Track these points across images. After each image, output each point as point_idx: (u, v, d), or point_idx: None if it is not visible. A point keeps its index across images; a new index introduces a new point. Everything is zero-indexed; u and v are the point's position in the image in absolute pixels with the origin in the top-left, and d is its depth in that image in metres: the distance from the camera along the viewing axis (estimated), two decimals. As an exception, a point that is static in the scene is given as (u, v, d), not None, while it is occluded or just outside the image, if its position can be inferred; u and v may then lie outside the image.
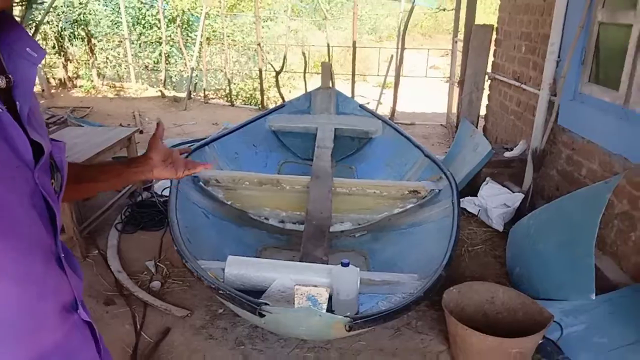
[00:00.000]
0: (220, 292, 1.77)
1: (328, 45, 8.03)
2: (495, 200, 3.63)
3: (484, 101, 5.16)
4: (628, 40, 2.72)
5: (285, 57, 8.34)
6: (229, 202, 3.24)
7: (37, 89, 7.43)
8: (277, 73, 8.15)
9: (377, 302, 2.06)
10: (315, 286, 1.51)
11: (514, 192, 3.69)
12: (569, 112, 3.28)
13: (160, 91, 8.86)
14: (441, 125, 6.83)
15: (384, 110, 7.52)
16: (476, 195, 3.83)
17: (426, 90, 9.19)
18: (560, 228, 2.62)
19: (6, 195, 0.63)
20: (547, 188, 3.58)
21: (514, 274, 2.84)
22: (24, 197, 0.67)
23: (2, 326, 0.66)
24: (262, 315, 1.60)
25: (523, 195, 3.57)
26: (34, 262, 0.69)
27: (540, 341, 2.13)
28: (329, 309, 2.00)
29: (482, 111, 5.36)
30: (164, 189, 4.04)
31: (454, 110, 6.41)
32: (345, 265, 1.93)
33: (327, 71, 4.63)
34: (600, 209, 2.37)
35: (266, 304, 1.59)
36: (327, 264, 2.32)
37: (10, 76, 0.69)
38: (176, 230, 2.27)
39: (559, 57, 3.39)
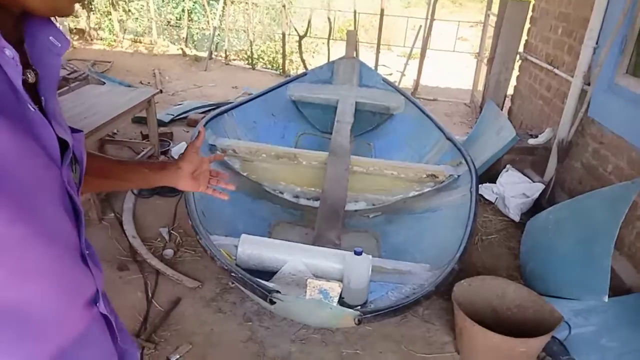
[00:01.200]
0: (233, 274, 1.78)
1: (355, 12, 7.78)
2: (514, 189, 3.55)
3: (512, 82, 4.98)
4: (675, 33, 2.56)
5: (309, 22, 8.12)
6: (245, 174, 3.23)
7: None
8: (301, 38, 7.96)
9: (387, 292, 2.06)
10: (328, 281, 1.50)
11: (534, 182, 3.60)
12: (601, 104, 3.14)
13: (182, 49, 8.75)
14: (465, 104, 6.65)
15: (407, 83, 7.33)
16: (495, 182, 3.75)
17: (452, 64, 8.92)
18: (580, 226, 2.56)
19: (37, 195, 0.62)
20: (569, 180, 3.48)
21: (527, 269, 2.81)
22: (53, 196, 0.66)
23: (29, 322, 0.66)
24: (272, 303, 1.61)
25: (543, 186, 3.48)
26: (63, 260, 0.70)
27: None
28: (339, 297, 2.01)
29: (509, 91, 5.18)
30: (181, 154, 4.05)
31: (480, 88, 6.22)
32: (359, 253, 1.92)
33: (352, 40, 4.50)
34: (623, 209, 2.31)
35: (277, 291, 1.59)
36: (340, 247, 2.31)
37: (36, 69, 0.66)
38: (192, 203, 2.27)
39: (597, 43, 3.22)
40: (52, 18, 0.70)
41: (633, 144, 2.75)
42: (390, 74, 8.34)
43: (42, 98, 0.66)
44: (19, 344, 0.65)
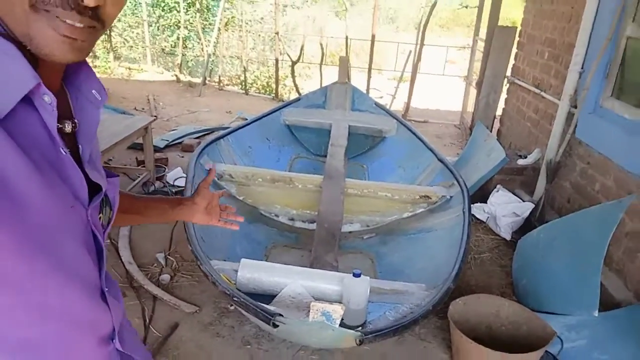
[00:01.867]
0: (235, 299, 1.80)
1: (347, 38, 7.97)
2: (504, 209, 3.62)
3: (501, 104, 5.11)
4: (653, 57, 2.68)
5: (302, 48, 8.29)
6: (241, 198, 3.28)
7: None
8: (294, 63, 8.12)
9: (385, 312, 2.09)
10: (331, 303, 1.53)
11: (524, 201, 3.68)
12: (587, 125, 3.25)
13: (176, 75, 8.88)
14: (455, 125, 6.78)
15: (398, 106, 7.47)
16: (486, 202, 3.83)
17: (442, 87, 9.11)
18: (570, 244, 2.62)
19: (59, 234, 0.65)
20: (558, 199, 3.56)
21: (520, 286, 2.85)
22: (75, 235, 0.69)
23: (45, 357, 0.68)
24: (275, 326, 1.63)
25: (533, 205, 3.56)
26: (80, 300, 0.71)
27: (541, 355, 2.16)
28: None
29: (498, 112, 5.31)
30: (176, 179, 4.09)
31: (469, 109, 6.36)
32: (357, 276, 1.96)
33: (344, 65, 4.62)
34: (611, 228, 2.37)
35: (280, 314, 1.62)
36: (338, 269, 2.35)
37: (76, 121, 0.71)
38: (191, 229, 2.30)
39: (582, 68, 3.35)
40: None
41: (619, 163, 2.84)
42: (381, 97, 8.50)
43: (80, 146, 0.71)
44: None
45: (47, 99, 0.61)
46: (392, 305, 2.17)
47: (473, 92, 6.10)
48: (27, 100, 0.60)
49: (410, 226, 3.21)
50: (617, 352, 2.23)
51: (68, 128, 0.69)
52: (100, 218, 0.77)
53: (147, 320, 2.45)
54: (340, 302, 1.54)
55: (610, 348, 2.27)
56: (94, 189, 0.72)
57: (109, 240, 3.15)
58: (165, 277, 2.79)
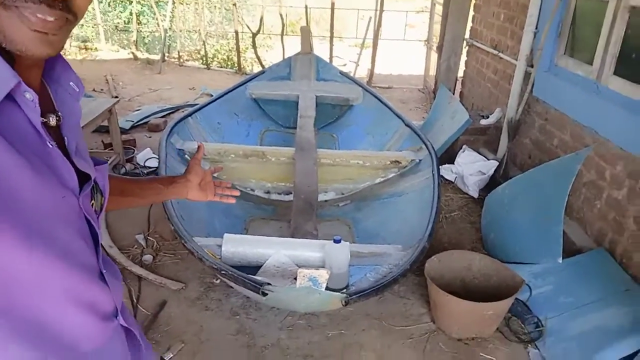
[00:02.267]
0: (223, 272, 1.87)
1: (306, 7, 7.87)
2: (471, 168, 3.79)
3: (462, 66, 5.23)
4: (603, 15, 2.81)
5: (262, 19, 8.15)
6: (215, 175, 3.29)
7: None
8: (254, 35, 7.98)
9: (366, 274, 2.20)
10: (317, 269, 1.62)
11: (488, 160, 3.85)
12: (543, 84, 3.40)
13: (132, 53, 8.58)
14: (418, 89, 6.91)
15: (362, 72, 7.52)
16: (453, 163, 3.98)
17: (403, 52, 9.19)
18: (533, 197, 2.80)
19: (53, 223, 0.68)
20: (520, 156, 3.75)
21: (489, 240, 3.04)
22: (68, 224, 0.71)
23: (46, 343, 0.71)
24: (265, 294, 1.71)
25: (497, 163, 3.74)
26: (81, 282, 0.74)
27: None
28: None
29: (460, 75, 5.44)
30: (147, 160, 4.06)
31: (431, 73, 6.47)
32: (337, 241, 2.06)
33: (306, 35, 4.60)
34: (570, 179, 2.53)
35: (269, 283, 1.70)
36: (317, 237, 2.44)
37: (60, 114, 0.72)
38: (170, 209, 2.33)
39: (536, 28, 3.47)
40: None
41: (574, 118, 3.01)
42: (344, 65, 8.51)
43: (65, 138, 0.73)
44: (38, 353, 0.69)
45: (29, 96, 0.63)
46: (372, 267, 2.29)
47: (434, 55, 6.20)
48: (10, 98, 0.61)
49: (383, 191, 3.33)
50: (581, 294, 2.43)
51: (53, 121, 0.71)
52: (92, 205, 0.79)
53: (135, 300, 2.49)
54: (324, 267, 1.64)
55: (574, 291, 2.47)
56: (84, 178, 0.74)
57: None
58: (148, 258, 2.82)
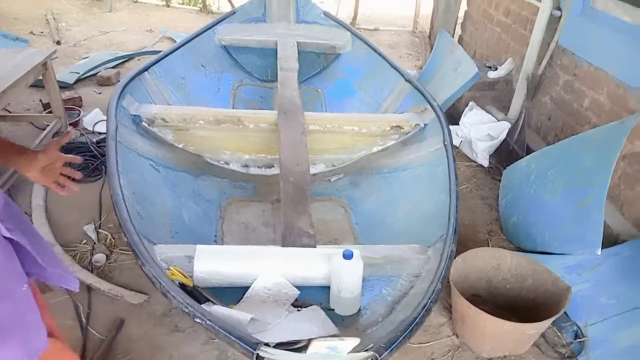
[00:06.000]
0: (197, 320, 1.31)
1: None
2: (479, 131, 3.27)
3: (463, 6, 4.58)
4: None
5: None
6: (180, 146, 2.71)
7: None
8: (219, -35, 7.00)
9: (381, 290, 1.73)
10: (342, 339, 1.11)
11: (499, 121, 3.35)
12: (574, 31, 2.84)
13: (78, -14, 7.45)
14: (409, 32, 6.21)
15: (343, 13, 6.73)
16: (457, 124, 3.46)
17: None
18: (566, 174, 2.35)
19: None
20: (536, 117, 3.25)
21: (509, 223, 2.60)
22: None
23: None
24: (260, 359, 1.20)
25: (509, 125, 3.23)
26: None
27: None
28: (327, 308, 1.66)
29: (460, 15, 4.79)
30: (97, 123, 3.39)
31: (424, 12, 5.78)
32: (348, 257, 1.55)
33: (281, -32, 3.87)
34: (614, 155, 2.11)
35: (266, 344, 1.18)
36: (315, 237, 1.92)
37: None
38: (122, 206, 1.75)
39: (567, -41, 2.86)
40: None
41: (615, 76, 2.50)
42: (322, 1, 7.66)
43: None
44: None
45: None
46: (386, 278, 1.81)
47: (426, -8, 5.49)
48: None
49: (382, 163, 2.81)
50: (627, 295, 2.05)
51: None
52: None
53: (84, 321, 1.96)
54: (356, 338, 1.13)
55: (617, 290, 2.08)
56: None
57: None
58: (100, 257, 2.27)
